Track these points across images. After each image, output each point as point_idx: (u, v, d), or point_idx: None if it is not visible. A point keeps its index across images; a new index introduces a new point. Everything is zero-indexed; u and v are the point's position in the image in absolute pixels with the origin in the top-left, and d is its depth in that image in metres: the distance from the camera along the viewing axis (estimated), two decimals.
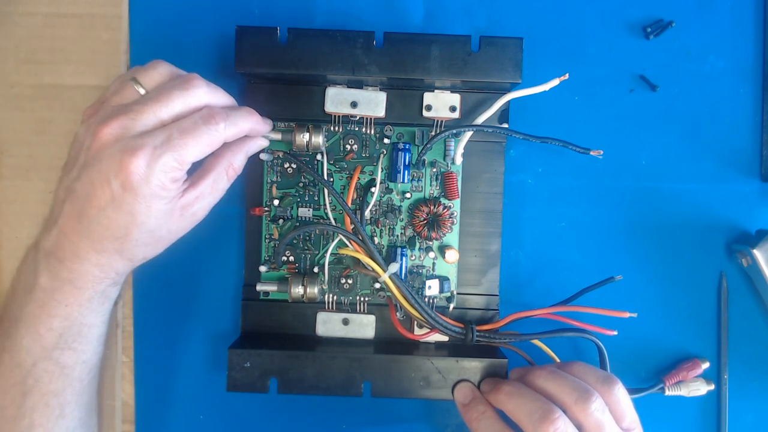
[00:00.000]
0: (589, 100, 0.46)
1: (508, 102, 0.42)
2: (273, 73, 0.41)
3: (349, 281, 0.44)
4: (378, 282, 0.43)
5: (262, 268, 0.44)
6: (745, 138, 0.45)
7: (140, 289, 0.45)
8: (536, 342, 0.41)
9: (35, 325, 0.36)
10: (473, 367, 0.41)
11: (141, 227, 0.35)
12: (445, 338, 0.44)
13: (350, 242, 0.42)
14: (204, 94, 0.36)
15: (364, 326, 0.44)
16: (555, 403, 0.36)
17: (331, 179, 0.44)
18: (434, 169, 0.44)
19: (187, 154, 0.34)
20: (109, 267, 0.36)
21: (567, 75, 0.41)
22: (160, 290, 0.45)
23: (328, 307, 0.44)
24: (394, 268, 0.41)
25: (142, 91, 0.36)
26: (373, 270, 0.42)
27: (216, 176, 0.38)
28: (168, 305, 0.45)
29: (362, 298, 0.44)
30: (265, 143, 0.41)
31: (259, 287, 0.43)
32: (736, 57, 0.45)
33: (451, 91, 0.43)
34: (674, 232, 0.46)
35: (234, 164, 0.38)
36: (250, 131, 0.39)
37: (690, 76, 0.45)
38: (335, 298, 0.44)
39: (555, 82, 0.41)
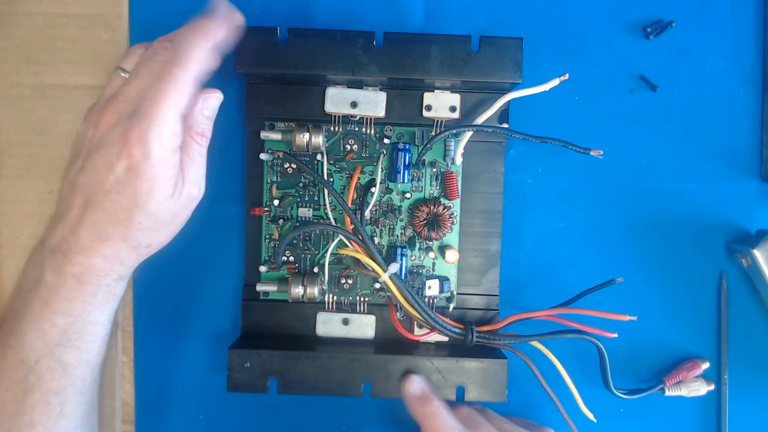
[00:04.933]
0: (589, 100, 0.46)
1: (508, 102, 0.42)
2: (273, 73, 0.41)
3: (349, 281, 0.44)
4: (378, 282, 0.43)
5: (262, 268, 0.44)
6: (745, 138, 0.45)
7: (140, 289, 0.45)
8: (536, 344, 0.41)
9: (39, 322, 0.36)
10: (473, 367, 0.41)
11: (143, 209, 0.35)
12: (445, 338, 0.44)
13: (350, 242, 0.42)
14: (170, 46, 0.36)
15: (364, 326, 0.44)
16: None
17: (331, 179, 0.44)
18: (434, 169, 0.44)
19: (162, 113, 0.34)
20: (114, 257, 0.36)
21: (567, 75, 0.41)
22: (160, 290, 0.45)
23: (328, 307, 0.44)
24: (394, 268, 0.41)
25: (125, 75, 0.37)
26: (373, 270, 0.42)
27: (185, 147, 0.37)
28: (168, 305, 0.45)
29: (362, 298, 0.44)
30: (217, 96, 0.38)
31: (259, 287, 0.43)
32: (736, 57, 0.45)
33: (451, 91, 0.43)
34: (674, 232, 0.46)
35: (192, 127, 0.37)
36: (206, 45, 0.36)
37: (690, 76, 0.45)
38: (335, 298, 0.44)
39: (555, 82, 0.41)
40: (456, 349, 0.43)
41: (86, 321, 0.36)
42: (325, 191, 0.43)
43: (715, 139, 0.46)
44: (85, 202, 0.35)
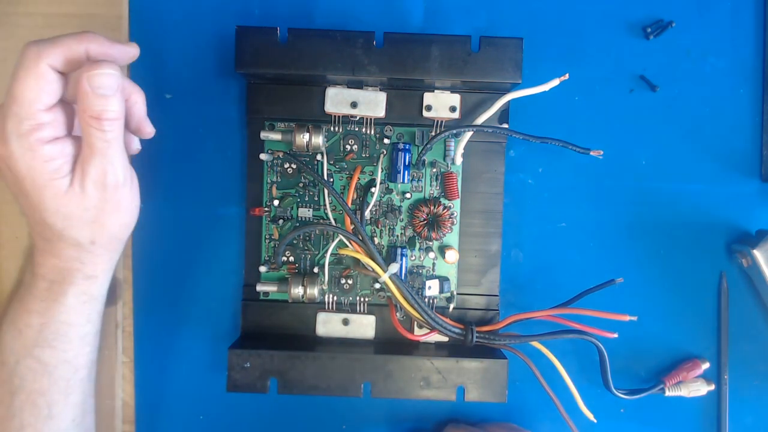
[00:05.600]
0: (589, 100, 0.46)
1: (508, 102, 0.42)
2: (273, 73, 0.41)
3: (349, 281, 0.44)
4: (378, 282, 0.43)
5: (262, 269, 0.44)
6: (745, 138, 0.45)
7: (140, 289, 0.45)
8: (536, 344, 0.41)
9: (15, 322, 0.36)
10: (473, 367, 0.41)
11: (42, 207, 0.34)
12: (445, 338, 0.44)
13: (350, 242, 0.42)
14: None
15: (364, 326, 0.44)
16: None
17: (331, 179, 0.44)
18: (434, 170, 0.44)
19: (17, 103, 0.31)
20: (66, 256, 0.35)
21: (567, 75, 0.41)
22: (160, 290, 0.45)
23: (328, 308, 0.44)
24: (394, 268, 0.41)
25: None
26: (373, 270, 0.42)
27: (83, 134, 0.33)
28: (168, 305, 0.45)
29: (362, 299, 0.44)
30: (105, 72, 0.32)
31: (259, 287, 0.43)
32: (736, 57, 0.45)
33: (451, 92, 0.43)
34: (674, 232, 0.46)
35: (85, 111, 0.32)
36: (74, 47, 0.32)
37: (690, 76, 0.45)
38: (335, 298, 0.44)
39: (555, 82, 0.41)
40: (456, 349, 0.43)
41: (60, 321, 0.36)
42: (325, 191, 0.43)
43: (715, 139, 0.45)
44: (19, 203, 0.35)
